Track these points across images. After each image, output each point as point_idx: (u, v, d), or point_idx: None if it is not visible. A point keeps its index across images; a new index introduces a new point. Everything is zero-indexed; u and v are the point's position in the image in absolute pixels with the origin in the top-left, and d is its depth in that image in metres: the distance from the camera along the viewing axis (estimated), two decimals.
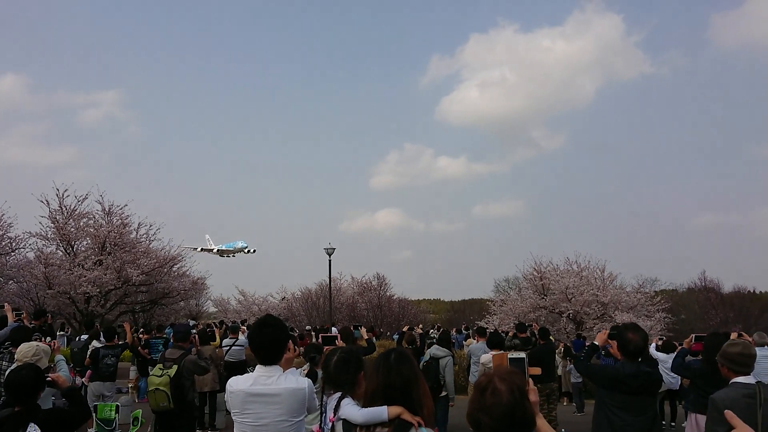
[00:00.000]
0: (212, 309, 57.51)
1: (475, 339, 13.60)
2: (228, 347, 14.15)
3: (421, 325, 37.40)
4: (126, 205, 33.09)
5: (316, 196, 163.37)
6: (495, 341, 10.10)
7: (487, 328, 24.47)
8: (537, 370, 4.09)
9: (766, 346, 10.80)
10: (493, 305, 38.83)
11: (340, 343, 7.28)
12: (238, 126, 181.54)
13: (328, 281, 39.40)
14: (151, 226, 34.41)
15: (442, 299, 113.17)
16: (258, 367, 4.08)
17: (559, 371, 16.88)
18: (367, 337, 11.35)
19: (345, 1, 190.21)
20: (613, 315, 33.53)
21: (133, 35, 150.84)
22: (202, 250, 78.67)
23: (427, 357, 11.04)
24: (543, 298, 34.86)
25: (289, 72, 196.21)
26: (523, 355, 3.68)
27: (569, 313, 33.63)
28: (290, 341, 4.30)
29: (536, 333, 13.28)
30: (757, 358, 10.21)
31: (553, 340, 15.31)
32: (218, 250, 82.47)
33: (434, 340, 21.18)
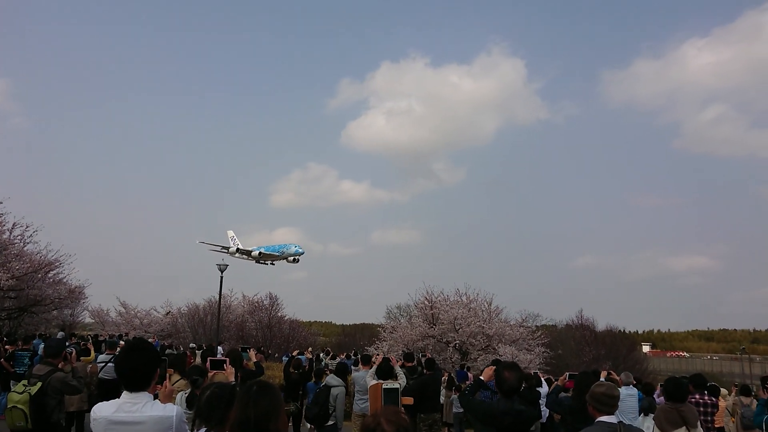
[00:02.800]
0: (89, 320, 53.91)
1: (359, 366, 13.61)
2: (103, 363, 13.31)
3: (310, 349, 36.97)
4: (1, 202, 30.58)
5: (211, 208, 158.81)
6: (384, 370, 10.16)
7: (375, 354, 24.57)
8: (410, 400, 4.21)
9: (632, 386, 11.62)
10: (384, 331, 39.15)
11: (228, 367, 7.04)
12: (138, 131, 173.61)
13: (218, 298, 38.18)
14: (27, 227, 31.94)
15: (334, 322, 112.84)
16: (124, 393, 3.85)
17: (442, 400, 17.22)
18: (255, 360, 11.11)
19: (259, 14, 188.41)
20: (496, 347, 34.78)
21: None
22: (238, 251, 66.85)
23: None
24: (432, 327, 35.59)
25: (198, 75, 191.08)
26: (397, 385, 3.78)
27: (456, 343, 34.53)
28: (172, 368, 4.12)
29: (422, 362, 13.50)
30: (623, 396, 11.03)
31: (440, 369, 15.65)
32: (260, 253, 67.22)
33: (325, 365, 21.05)
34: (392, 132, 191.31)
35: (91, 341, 20.57)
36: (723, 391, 14.84)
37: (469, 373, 21.04)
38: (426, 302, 37.24)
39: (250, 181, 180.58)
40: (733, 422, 13.96)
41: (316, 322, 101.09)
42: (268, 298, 50.96)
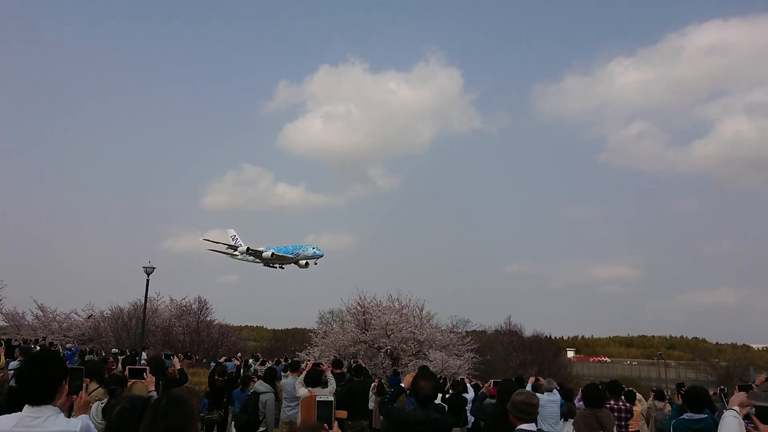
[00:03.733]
0: (2, 323, 50.99)
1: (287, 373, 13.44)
2: (14, 371, 12.60)
3: (239, 354, 36.28)
4: None
5: (137, 207, 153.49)
6: (313, 377, 10.06)
7: (306, 360, 24.36)
8: (343, 414, 4.19)
9: (554, 391, 11.97)
10: (316, 336, 38.91)
11: (148, 376, 6.80)
12: (61, 126, 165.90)
13: (143, 301, 36.89)
14: None
15: (265, 327, 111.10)
16: (26, 406, 3.65)
17: (371, 407, 17.24)
18: (179, 367, 10.79)
19: (194, 10, 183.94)
20: (427, 353, 35.18)
21: None
22: (249, 252, 60.09)
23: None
24: (364, 332, 35.62)
25: (129, 69, 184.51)
26: (331, 398, 3.74)
27: (387, 349, 34.68)
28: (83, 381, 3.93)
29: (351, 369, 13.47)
30: (544, 402, 11.35)
31: (370, 375, 15.63)
32: (273, 254, 60.17)
33: (254, 372, 20.65)
34: (329, 136, 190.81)
35: (3, 345, 19.45)
36: (638, 396, 15.50)
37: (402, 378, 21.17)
38: (359, 308, 37.26)
39: (182, 181, 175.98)
40: (648, 427, 14.64)
41: (246, 326, 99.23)
42: (197, 302, 49.78)
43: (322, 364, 12.69)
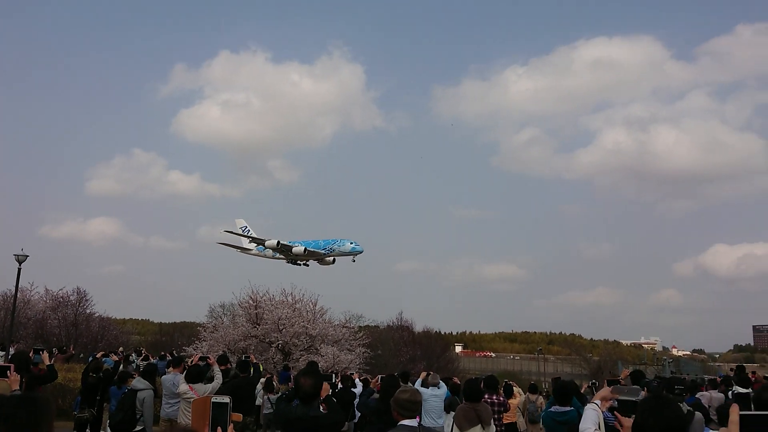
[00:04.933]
0: None
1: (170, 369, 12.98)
2: None
3: (121, 349, 34.51)
4: None
5: (8, 191, 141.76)
6: (194, 373, 9.76)
7: (194, 355, 23.56)
8: (239, 417, 4.09)
9: (440, 386, 12.32)
10: (204, 331, 37.73)
11: (12, 374, 6.32)
12: None
13: (13, 292, 34.17)
14: None
15: (151, 320, 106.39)
16: None
17: (259, 402, 17.02)
18: (49, 363, 10.12)
19: None
20: (319, 348, 35.15)
21: None
22: (279, 246, 53.63)
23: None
24: (255, 327, 35.02)
25: (15, 45, 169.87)
26: (227, 399, 3.60)
27: (279, 344, 34.31)
28: None
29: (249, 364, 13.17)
30: (427, 397, 11.68)
31: (261, 370, 15.38)
32: (306, 250, 54.06)
33: (136, 367, 19.71)
34: (227, 125, 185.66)
35: None
36: (517, 389, 16.29)
37: (291, 374, 20.96)
38: (251, 301, 36.56)
39: (61, 164, 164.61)
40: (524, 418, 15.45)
41: (131, 319, 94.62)
42: (76, 293, 46.68)
43: (209, 358, 12.35)
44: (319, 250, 54.70)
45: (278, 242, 54.46)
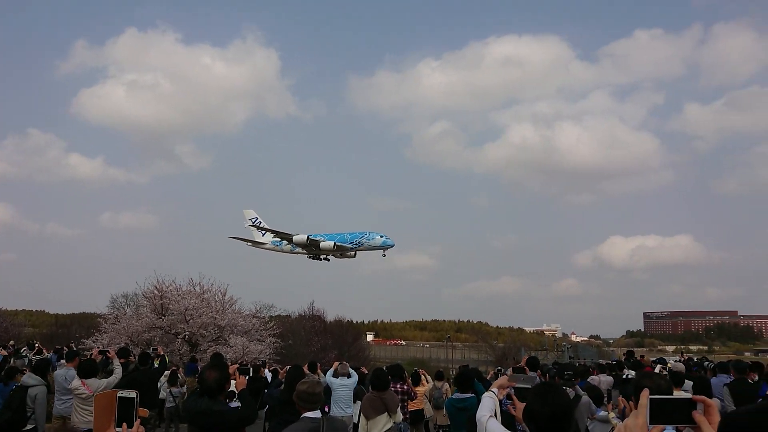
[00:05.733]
0: None
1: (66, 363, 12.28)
2: None
3: (12, 342, 32.33)
4: None
5: None
6: (87, 368, 9.26)
7: (95, 348, 22.44)
8: (145, 412, 3.93)
9: (348, 376, 12.35)
10: (105, 322, 36.00)
11: None
12: None
13: None
14: None
15: (46, 311, 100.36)
16: None
17: (163, 396, 16.49)
18: None
19: None
20: (228, 338, 34.46)
21: None
22: (309, 241, 50.38)
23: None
24: (161, 317, 33.84)
25: None
26: (133, 394, 3.41)
27: (185, 335, 33.34)
28: None
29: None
30: (336, 387, 11.72)
31: (167, 362, 14.86)
32: (336, 245, 50.70)
33: (28, 362, 18.58)
34: (134, 107, 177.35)
35: None
36: (426, 377, 16.61)
37: (198, 366, 20.42)
38: (156, 291, 35.24)
39: None
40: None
41: (24, 311, 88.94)
42: None
43: (108, 351, 11.80)
44: (346, 244, 52.09)
45: (308, 237, 51.84)
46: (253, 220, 56.26)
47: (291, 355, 43.66)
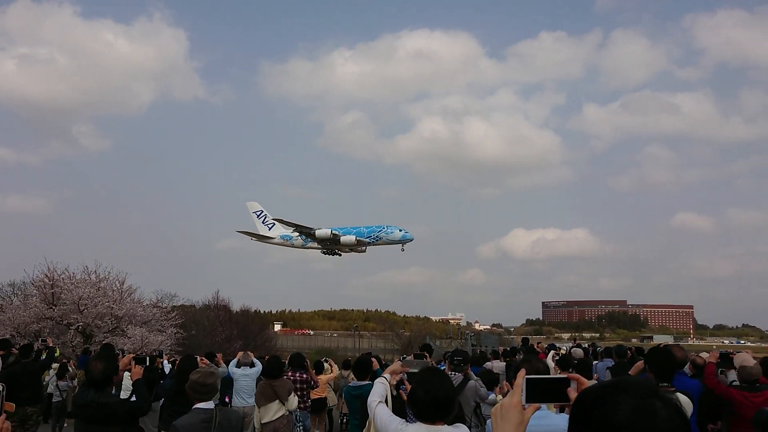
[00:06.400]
0: None
1: None
2: None
3: None
4: None
5: None
6: None
7: None
8: (11, 406, 3.69)
9: (251, 366, 12.15)
10: None
11: None
12: None
13: None
14: None
15: None
16: None
17: (51, 390, 15.63)
18: None
19: None
20: (126, 329, 33.08)
21: None
22: (333, 236, 47.10)
23: None
24: (51, 307, 31.93)
25: None
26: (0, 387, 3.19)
27: (79, 326, 31.68)
28: None
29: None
30: (238, 377, 11.55)
31: (57, 354, 14.07)
32: (358, 240, 47.73)
33: None
34: (25, 82, 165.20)
35: None
36: (330, 365, 16.64)
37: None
38: (46, 279, 33.16)
39: None
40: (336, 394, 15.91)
41: None
42: None
43: None
44: (364, 239, 50.69)
45: (331, 231, 49.90)
46: (257, 213, 54.03)
47: (194, 345, 42.49)
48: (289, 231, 52.88)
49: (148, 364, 7.77)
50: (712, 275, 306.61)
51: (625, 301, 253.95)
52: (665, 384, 5.95)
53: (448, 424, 3.70)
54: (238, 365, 11.90)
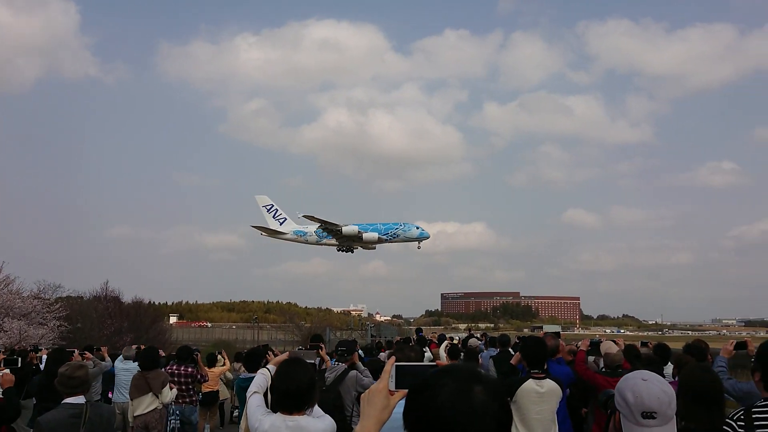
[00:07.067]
0: None
1: None
2: None
3: None
4: None
5: None
6: None
7: None
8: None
9: (131, 360, 11.70)
10: None
11: None
12: None
13: None
14: None
15: None
16: None
17: None
18: None
19: None
20: (2, 322, 30.90)
21: None
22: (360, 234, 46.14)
23: None
24: None
25: None
26: None
27: None
28: None
29: None
30: (119, 370, 11.13)
31: None
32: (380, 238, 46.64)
33: None
34: None
35: None
36: (221, 358, 16.34)
37: None
38: None
39: None
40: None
41: None
42: None
43: None
44: (382, 236, 49.97)
45: (358, 229, 48.81)
46: (267, 208, 52.27)
47: (80, 339, 40.15)
48: (301, 227, 52.19)
49: (20, 365, 7.36)
50: (597, 269, 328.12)
51: (519, 292, 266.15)
52: (536, 371, 6.36)
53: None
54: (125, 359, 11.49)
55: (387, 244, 52.54)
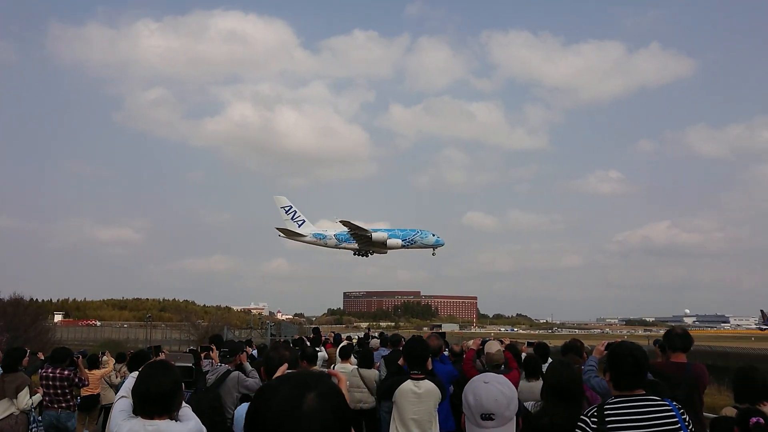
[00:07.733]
0: None
1: None
2: None
3: None
4: None
5: None
6: None
7: None
8: None
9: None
10: None
11: None
12: None
13: None
14: None
15: None
16: None
17: None
18: None
19: None
20: None
21: None
22: (372, 236, 47.83)
23: None
24: None
25: None
26: None
27: None
28: None
29: None
30: None
31: None
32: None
33: None
34: None
35: None
36: (107, 359, 15.64)
37: None
38: None
39: None
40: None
41: None
42: None
43: None
44: (399, 241, 51.95)
45: (371, 233, 50.12)
46: (286, 209, 51.91)
47: None
48: (321, 230, 53.27)
49: None
50: (494, 269, 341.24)
51: (419, 292, 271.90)
52: (416, 372, 6.56)
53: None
54: None
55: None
